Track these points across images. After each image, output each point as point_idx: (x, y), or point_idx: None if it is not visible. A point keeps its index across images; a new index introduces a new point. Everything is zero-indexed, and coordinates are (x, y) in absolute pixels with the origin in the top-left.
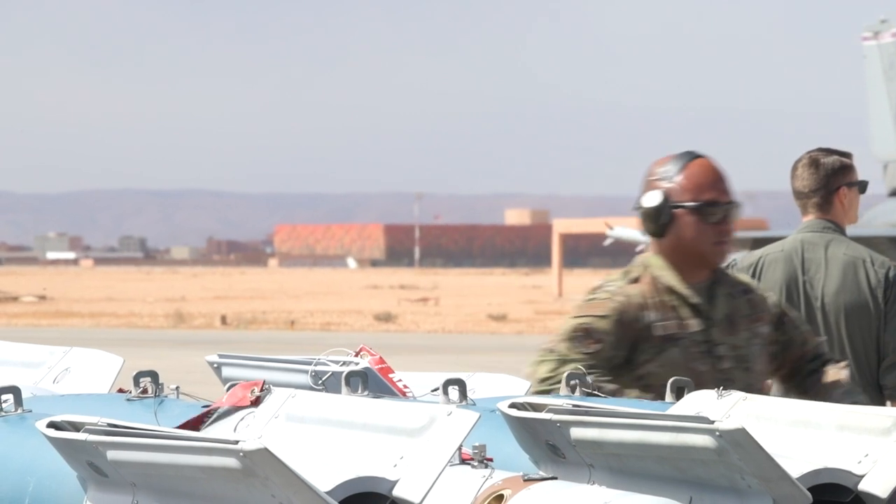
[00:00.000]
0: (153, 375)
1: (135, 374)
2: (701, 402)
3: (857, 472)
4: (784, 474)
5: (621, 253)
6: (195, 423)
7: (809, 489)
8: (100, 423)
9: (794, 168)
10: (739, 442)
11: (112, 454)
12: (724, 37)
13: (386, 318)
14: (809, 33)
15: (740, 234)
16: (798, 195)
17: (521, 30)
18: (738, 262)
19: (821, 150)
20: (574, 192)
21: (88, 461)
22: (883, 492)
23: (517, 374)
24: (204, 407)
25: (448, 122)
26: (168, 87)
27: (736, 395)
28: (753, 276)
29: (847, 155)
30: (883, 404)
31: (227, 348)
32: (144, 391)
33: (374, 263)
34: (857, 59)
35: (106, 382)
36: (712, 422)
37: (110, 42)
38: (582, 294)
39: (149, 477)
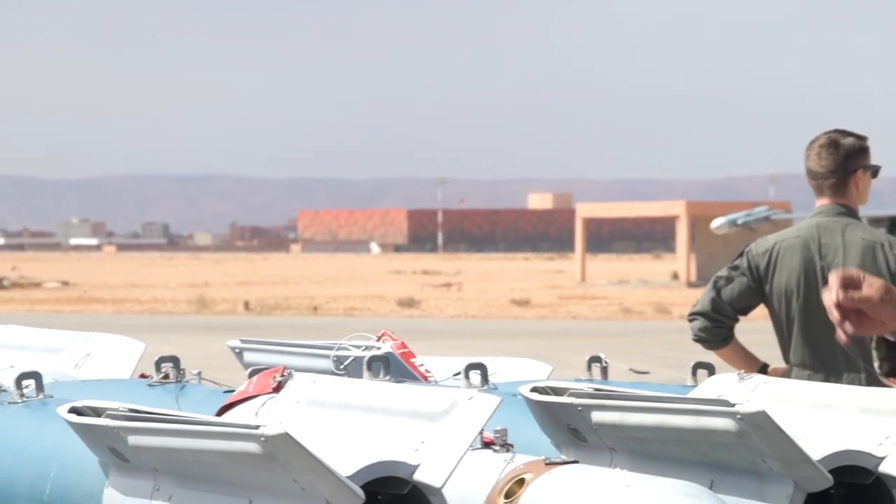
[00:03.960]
0: (175, 361)
1: (156, 359)
2: (722, 385)
3: (878, 453)
4: (805, 457)
5: (646, 237)
6: (224, 411)
7: (830, 471)
8: (121, 409)
9: (811, 149)
10: (760, 425)
11: (133, 439)
12: (747, 20)
13: (409, 303)
14: (832, 19)
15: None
16: (814, 176)
17: (543, 14)
18: (752, 248)
19: (838, 131)
20: (597, 176)
21: (110, 446)
22: None
23: (540, 358)
24: (226, 392)
25: (471, 107)
26: (191, 72)
27: (757, 379)
28: (769, 262)
29: (863, 138)
30: None
31: (250, 334)
32: (166, 376)
33: (398, 249)
34: (875, 45)
35: (128, 368)
36: (733, 405)
37: (133, 27)
38: (604, 279)
39: (170, 462)
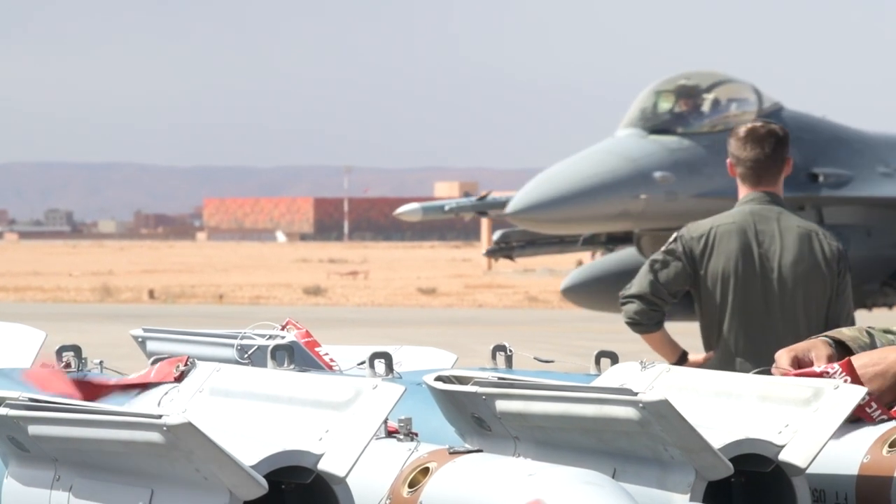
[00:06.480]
0: (76, 350)
1: (58, 348)
2: (625, 374)
3: (778, 442)
4: (706, 445)
5: None
6: (110, 388)
7: (731, 459)
8: (20, 398)
9: (747, 137)
10: (662, 413)
11: (33, 429)
12: (653, 10)
13: (315, 291)
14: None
15: None
16: (752, 164)
17: (450, 5)
18: (685, 233)
19: (762, 121)
20: (503, 165)
21: (9, 436)
22: (803, 461)
23: (446, 347)
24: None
25: (377, 96)
26: (96, 59)
27: (659, 367)
28: (705, 246)
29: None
30: None
31: (155, 322)
32: (67, 365)
33: (304, 237)
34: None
35: (28, 357)
36: (636, 394)
37: (34, 11)
38: (510, 268)
39: (71, 452)
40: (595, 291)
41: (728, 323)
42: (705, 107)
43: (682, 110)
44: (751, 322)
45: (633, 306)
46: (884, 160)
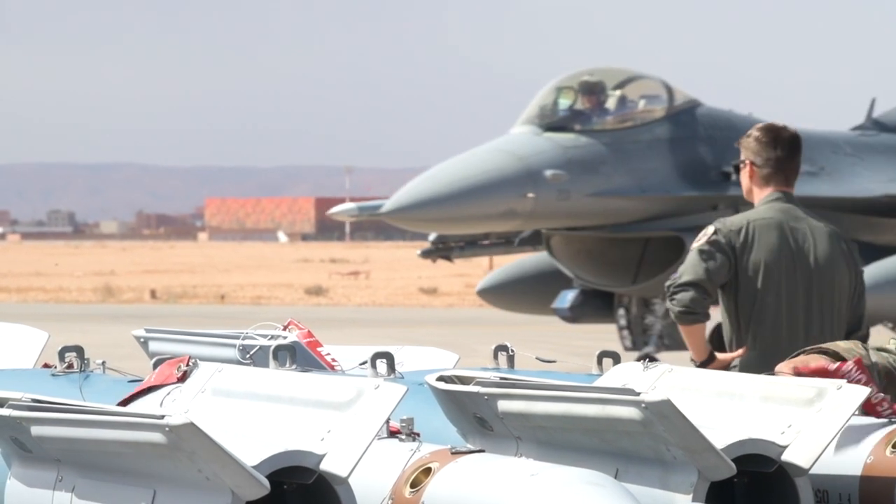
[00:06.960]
0: (79, 350)
1: (60, 348)
2: (627, 374)
3: (781, 442)
4: (709, 445)
5: None
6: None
7: (734, 459)
8: (24, 399)
9: (765, 140)
10: (665, 413)
11: (36, 430)
12: (655, 11)
13: (317, 291)
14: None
15: None
16: (771, 164)
17: (450, 5)
18: (721, 226)
19: (784, 125)
20: None
21: (12, 437)
22: (805, 462)
23: (448, 347)
24: (130, 382)
25: (377, 96)
26: (97, 60)
27: (661, 367)
28: (745, 239)
29: None
30: None
31: (157, 322)
32: (70, 366)
33: (305, 237)
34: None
35: (31, 357)
36: (638, 394)
37: (35, 13)
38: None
39: (74, 452)
40: (511, 293)
41: (772, 318)
42: (609, 103)
43: (583, 107)
44: (794, 318)
45: (687, 294)
46: (809, 158)
